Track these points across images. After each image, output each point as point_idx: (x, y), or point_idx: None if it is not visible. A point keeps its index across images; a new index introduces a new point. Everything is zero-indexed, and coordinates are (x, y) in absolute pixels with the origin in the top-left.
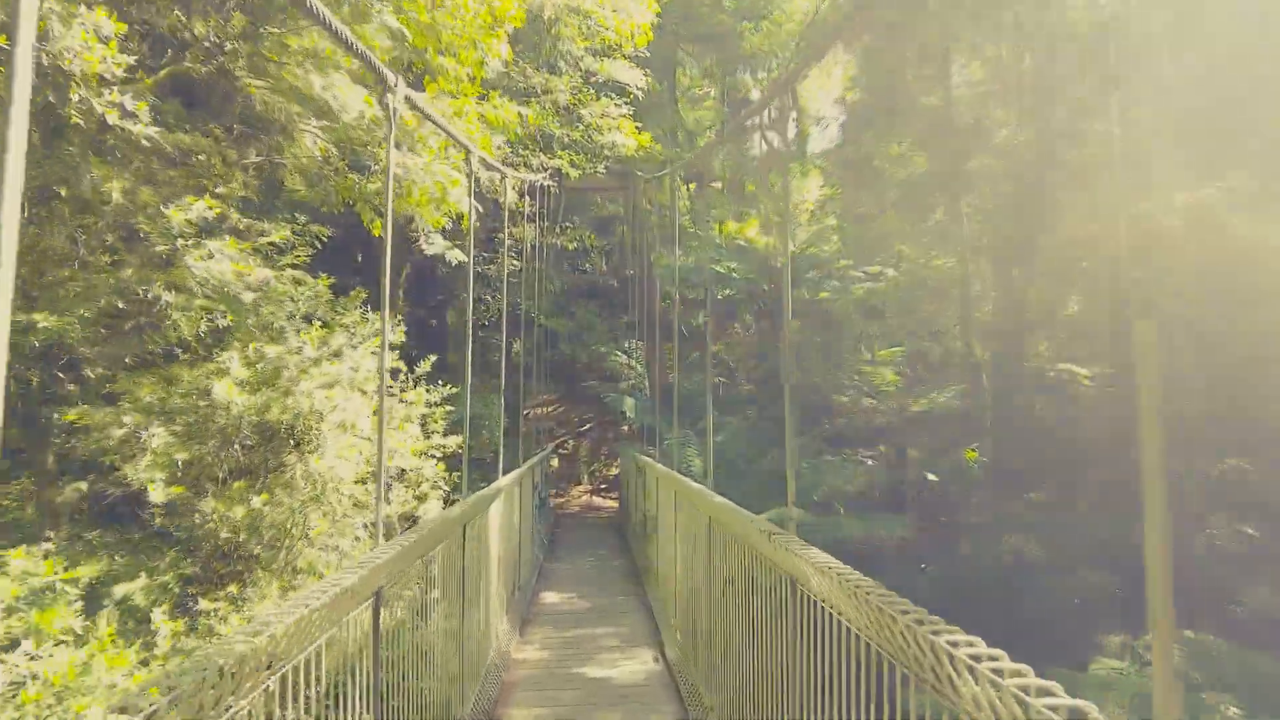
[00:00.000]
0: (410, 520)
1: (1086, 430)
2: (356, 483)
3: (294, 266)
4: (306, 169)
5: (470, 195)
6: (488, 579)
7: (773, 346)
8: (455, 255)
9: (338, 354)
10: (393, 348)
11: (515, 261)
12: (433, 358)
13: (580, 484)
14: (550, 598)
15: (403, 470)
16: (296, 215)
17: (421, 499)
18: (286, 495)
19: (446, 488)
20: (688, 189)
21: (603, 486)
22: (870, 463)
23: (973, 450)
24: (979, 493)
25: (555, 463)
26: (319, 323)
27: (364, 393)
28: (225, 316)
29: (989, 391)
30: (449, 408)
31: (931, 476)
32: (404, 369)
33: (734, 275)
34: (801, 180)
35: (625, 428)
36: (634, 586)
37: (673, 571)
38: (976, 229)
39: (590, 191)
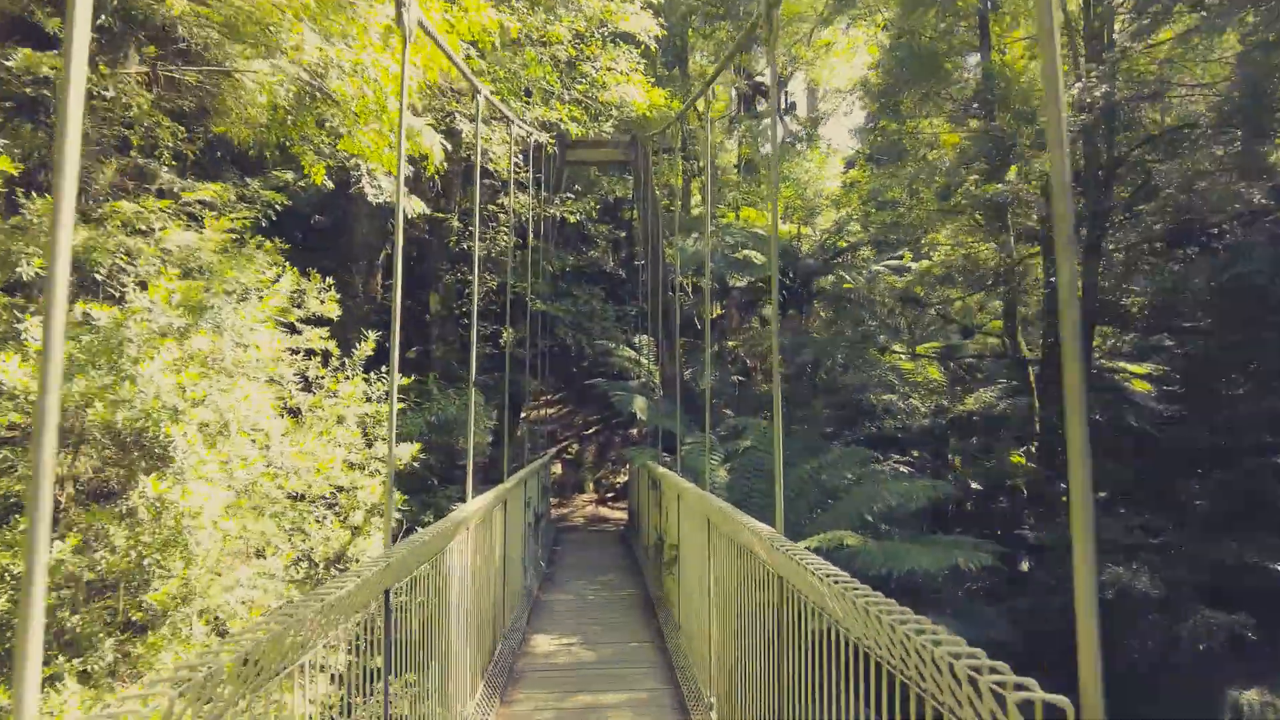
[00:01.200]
0: (338, 564)
1: (1162, 437)
2: (244, 511)
3: (233, 232)
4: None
5: (404, 83)
6: (444, 647)
7: (809, 338)
8: (414, 206)
9: (219, 326)
10: (320, 323)
11: (506, 237)
12: (372, 336)
13: (585, 492)
14: (545, 644)
15: (337, 490)
16: (247, 179)
17: (358, 531)
18: (127, 536)
19: (397, 513)
20: (699, 178)
21: (609, 495)
22: (905, 470)
23: (1019, 455)
24: (1039, 507)
25: (558, 469)
26: (175, 270)
27: (275, 382)
28: (30, 262)
29: (1037, 391)
30: (402, 404)
31: (975, 485)
32: (335, 352)
33: (754, 262)
34: (822, 164)
35: (634, 430)
36: (649, 627)
37: (703, 626)
38: (1025, 210)
39: (595, 166)
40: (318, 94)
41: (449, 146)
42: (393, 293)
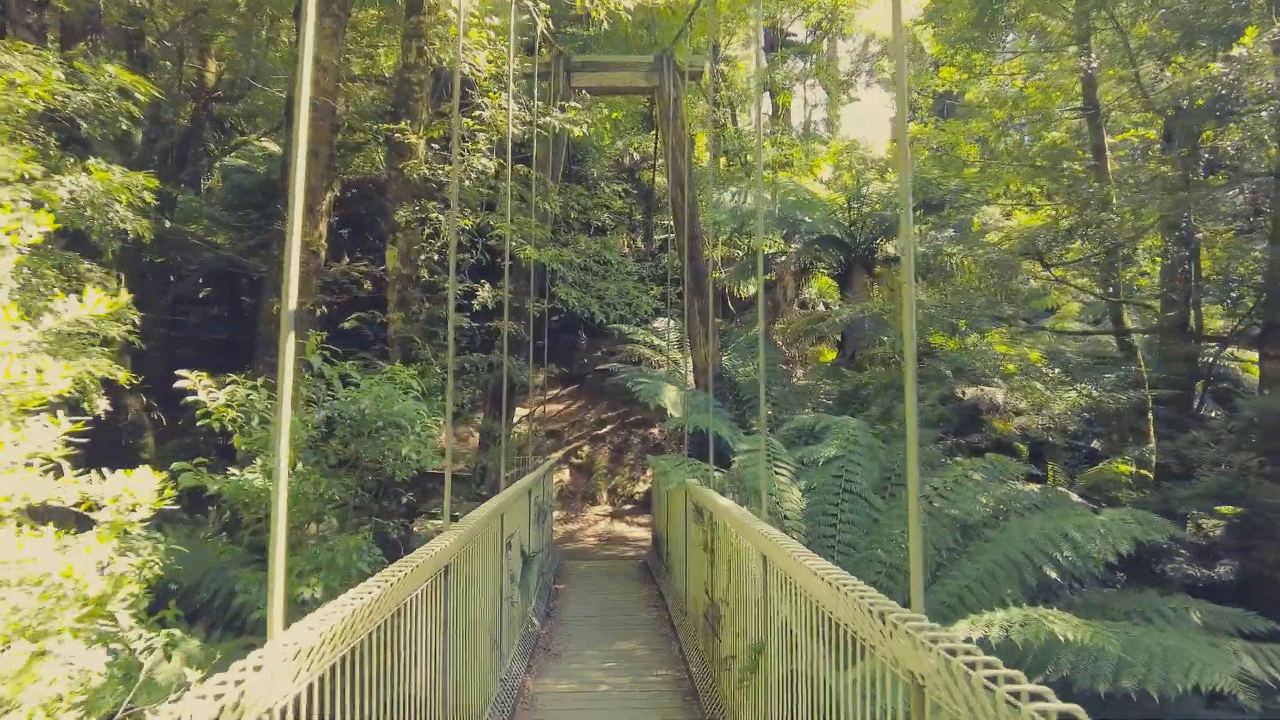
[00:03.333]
0: None
1: None
2: None
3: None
4: None
5: None
6: None
7: (895, 315)
8: None
9: None
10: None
11: (486, 161)
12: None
13: (597, 504)
14: None
15: None
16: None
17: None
18: None
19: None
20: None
21: (627, 508)
22: (977, 478)
23: (1124, 463)
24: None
25: (566, 475)
26: None
27: None
28: None
29: (1149, 382)
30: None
31: (1077, 500)
32: None
33: (806, 221)
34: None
35: (655, 430)
36: None
37: None
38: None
39: (610, 94)
40: None
41: None
42: None
